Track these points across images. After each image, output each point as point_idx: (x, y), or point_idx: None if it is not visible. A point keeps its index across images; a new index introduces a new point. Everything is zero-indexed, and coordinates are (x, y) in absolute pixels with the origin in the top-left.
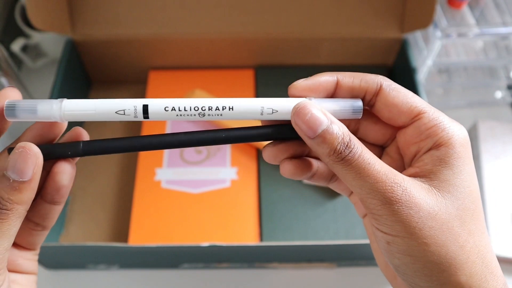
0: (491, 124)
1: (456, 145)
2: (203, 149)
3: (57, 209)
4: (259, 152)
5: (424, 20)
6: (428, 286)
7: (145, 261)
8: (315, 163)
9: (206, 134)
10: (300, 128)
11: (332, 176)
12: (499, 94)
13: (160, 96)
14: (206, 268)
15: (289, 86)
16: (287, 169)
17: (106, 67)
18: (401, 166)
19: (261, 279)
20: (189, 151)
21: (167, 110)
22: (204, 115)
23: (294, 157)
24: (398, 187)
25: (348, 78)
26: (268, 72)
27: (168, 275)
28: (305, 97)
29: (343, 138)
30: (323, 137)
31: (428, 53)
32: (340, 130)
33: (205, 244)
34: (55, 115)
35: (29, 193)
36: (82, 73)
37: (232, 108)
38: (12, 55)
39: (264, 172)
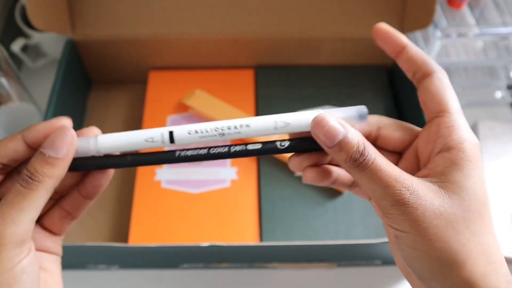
0: (491, 124)
1: (467, 150)
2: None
3: (89, 203)
4: None
5: (424, 20)
6: (433, 278)
7: (145, 261)
8: (335, 170)
9: (240, 147)
10: (319, 139)
11: (353, 182)
12: (499, 94)
13: (160, 96)
14: (206, 268)
15: (377, 24)
16: (309, 175)
17: (106, 67)
18: (416, 168)
19: (261, 279)
20: None
21: (190, 134)
22: (224, 134)
23: (316, 165)
24: (406, 191)
25: (414, 50)
26: (268, 72)
27: (168, 275)
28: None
29: (358, 147)
30: (340, 146)
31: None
32: (355, 140)
33: (205, 244)
34: (92, 150)
35: (61, 169)
36: (82, 73)
37: (249, 126)
38: (12, 55)
39: (264, 172)
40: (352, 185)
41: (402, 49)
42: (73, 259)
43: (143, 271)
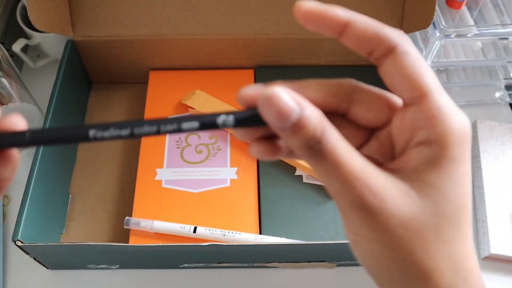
0: (490, 124)
1: (450, 146)
2: (204, 149)
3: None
4: None
5: (424, 20)
6: None
7: (145, 261)
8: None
9: (171, 126)
10: (268, 120)
11: None
12: (497, 94)
13: (160, 96)
14: (206, 268)
15: (297, 4)
16: (255, 150)
17: (106, 68)
18: (389, 152)
19: (261, 279)
20: (190, 151)
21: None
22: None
23: (267, 137)
24: (369, 192)
25: (362, 25)
26: (268, 72)
27: (168, 275)
28: (312, 22)
29: (314, 133)
30: (294, 129)
31: (427, 53)
32: (312, 122)
33: (205, 244)
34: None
35: None
36: (82, 74)
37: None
38: (13, 55)
39: (264, 172)
40: None
41: (344, 27)
42: (73, 259)
43: (143, 271)
